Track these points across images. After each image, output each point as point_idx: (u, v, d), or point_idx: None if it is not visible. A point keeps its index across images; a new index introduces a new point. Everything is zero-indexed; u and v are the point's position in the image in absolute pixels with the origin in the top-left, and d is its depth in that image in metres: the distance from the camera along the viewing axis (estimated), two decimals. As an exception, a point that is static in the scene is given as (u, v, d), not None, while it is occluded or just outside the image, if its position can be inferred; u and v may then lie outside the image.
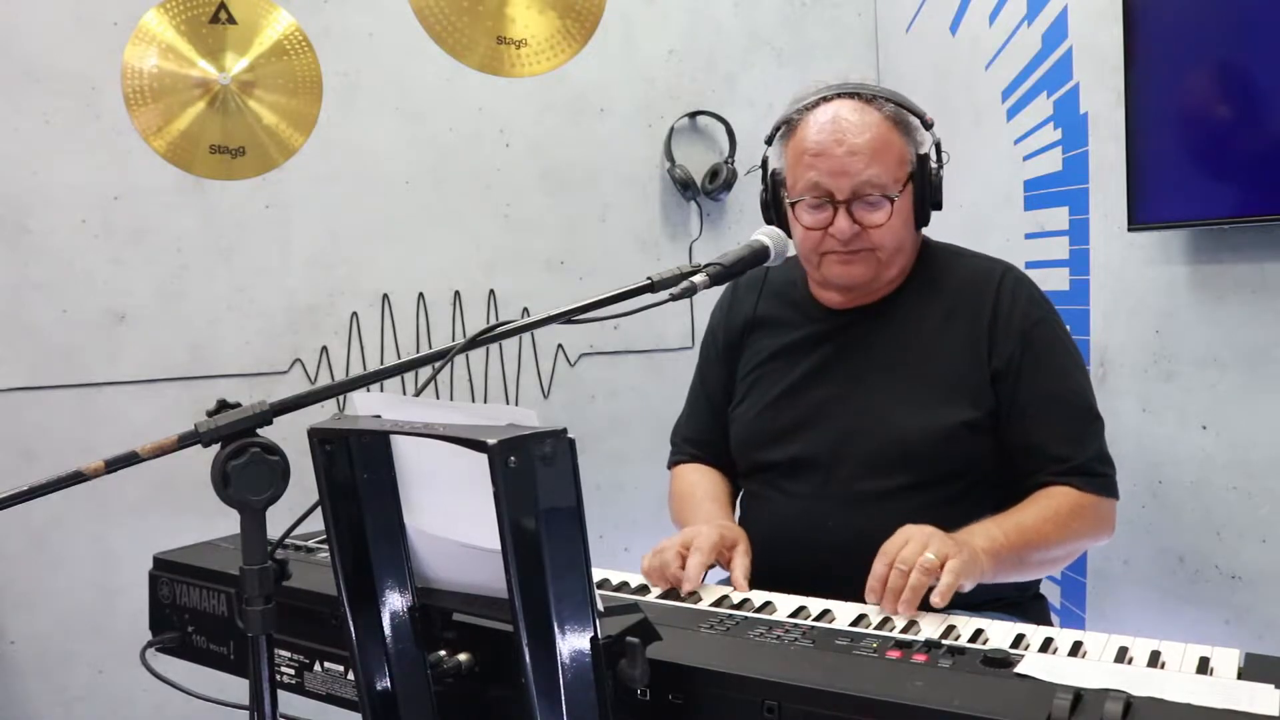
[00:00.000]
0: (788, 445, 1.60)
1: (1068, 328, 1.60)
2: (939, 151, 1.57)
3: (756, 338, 1.71)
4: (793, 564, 1.46)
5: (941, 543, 1.26)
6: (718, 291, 1.78)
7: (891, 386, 1.55)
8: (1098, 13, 2.10)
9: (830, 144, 1.50)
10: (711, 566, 1.40)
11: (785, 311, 1.69)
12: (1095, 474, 1.50)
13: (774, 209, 1.61)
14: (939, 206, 1.58)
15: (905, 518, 1.40)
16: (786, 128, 1.58)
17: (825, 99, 1.54)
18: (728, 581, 1.49)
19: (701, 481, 1.71)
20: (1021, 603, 1.58)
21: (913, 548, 1.24)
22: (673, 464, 1.81)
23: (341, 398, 1.56)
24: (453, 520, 1.02)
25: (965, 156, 2.54)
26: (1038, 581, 1.65)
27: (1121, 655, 1.03)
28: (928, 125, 1.57)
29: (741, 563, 1.42)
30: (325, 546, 1.36)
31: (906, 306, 1.60)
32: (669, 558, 1.35)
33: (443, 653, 1.04)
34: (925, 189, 1.55)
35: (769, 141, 1.62)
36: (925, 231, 1.66)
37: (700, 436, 1.77)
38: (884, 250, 1.53)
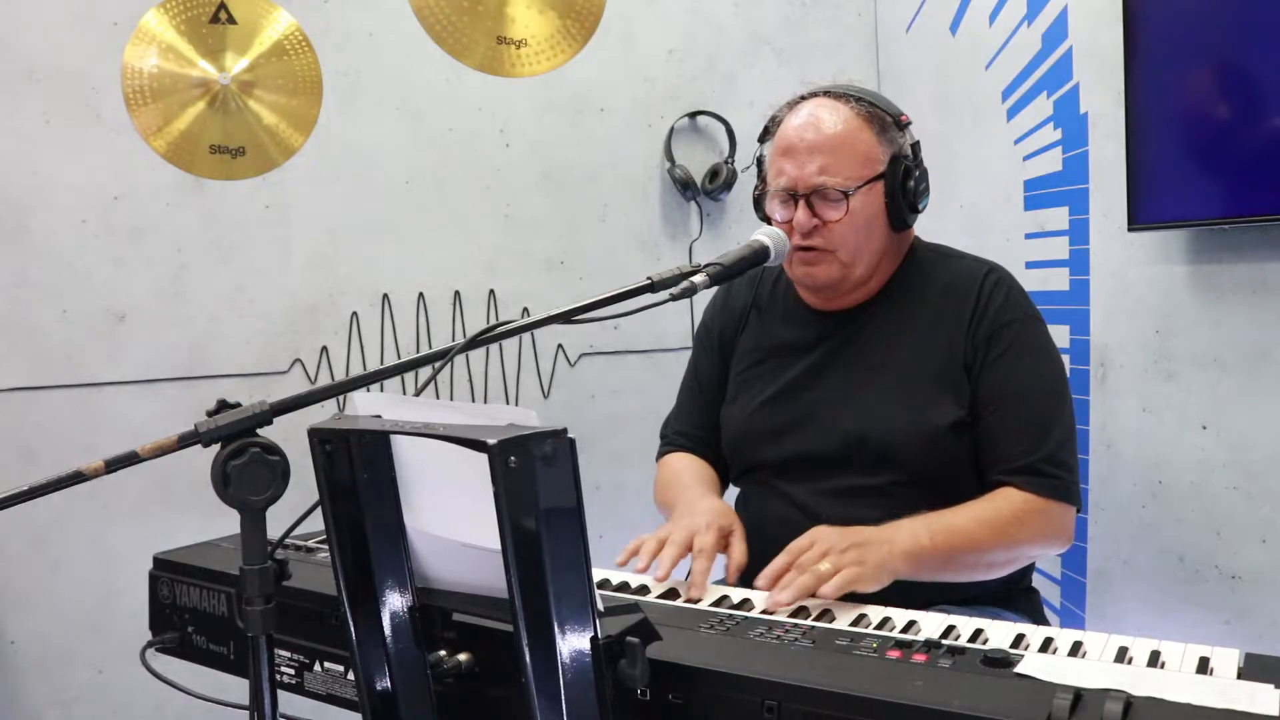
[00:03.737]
0: (781, 445, 1.61)
1: (1049, 335, 1.59)
2: (916, 152, 1.58)
3: (750, 334, 1.72)
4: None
5: (842, 555, 1.29)
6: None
7: (883, 387, 1.56)
8: (1098, 13, 2.10)
9: (796, 141, 1.55)
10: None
11: (778, 310, 1.71)
12: (1045, 475, 1.48)
13: (759, 205, 1.65)
14: (916, 209, 1.58)
15: (896, 514, 1.42)
16: (770, 126, 1.63)
17: (804, 98, 1.60)
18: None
19: (689, 467, 1.72)
20: (1013, 595, 1.59)
21: (814, 554, 1.29)
22: (661, 454, 1.81)
23: (341, 398, 1.56)
24: (453, 520, 1.02)
25: (965, 156, 2.54)
26: (1029, 575, 1.65)
27: (1121, 655, 1.03)
28: (902, 125, 1.58)
29: (742, 548, 1.44)
30: (325, 546, 1.36)
31: (894, 308, 1.61)
32: (665, 558, 1.35)
33: (443, 653, 1.04)
34: (898, 190, 1.55)
35: (761, 140, 1.66)
36: (919, 232, 1.67)
37: (692, 430, 1.77)
38: (844, 250, 1.54)
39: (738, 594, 1.32)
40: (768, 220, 1.61)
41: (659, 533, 1.41)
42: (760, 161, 1.65)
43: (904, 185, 1.55)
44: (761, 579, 1.28)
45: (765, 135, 1.64)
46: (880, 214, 1.56)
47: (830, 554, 1.29)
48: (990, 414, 1.52)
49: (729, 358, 1.74)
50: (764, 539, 1.50)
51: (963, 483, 1.52)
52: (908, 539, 1.37)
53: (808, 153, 1.53)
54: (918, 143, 1.60)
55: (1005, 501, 1.47)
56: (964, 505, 1.46)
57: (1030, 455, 1.48)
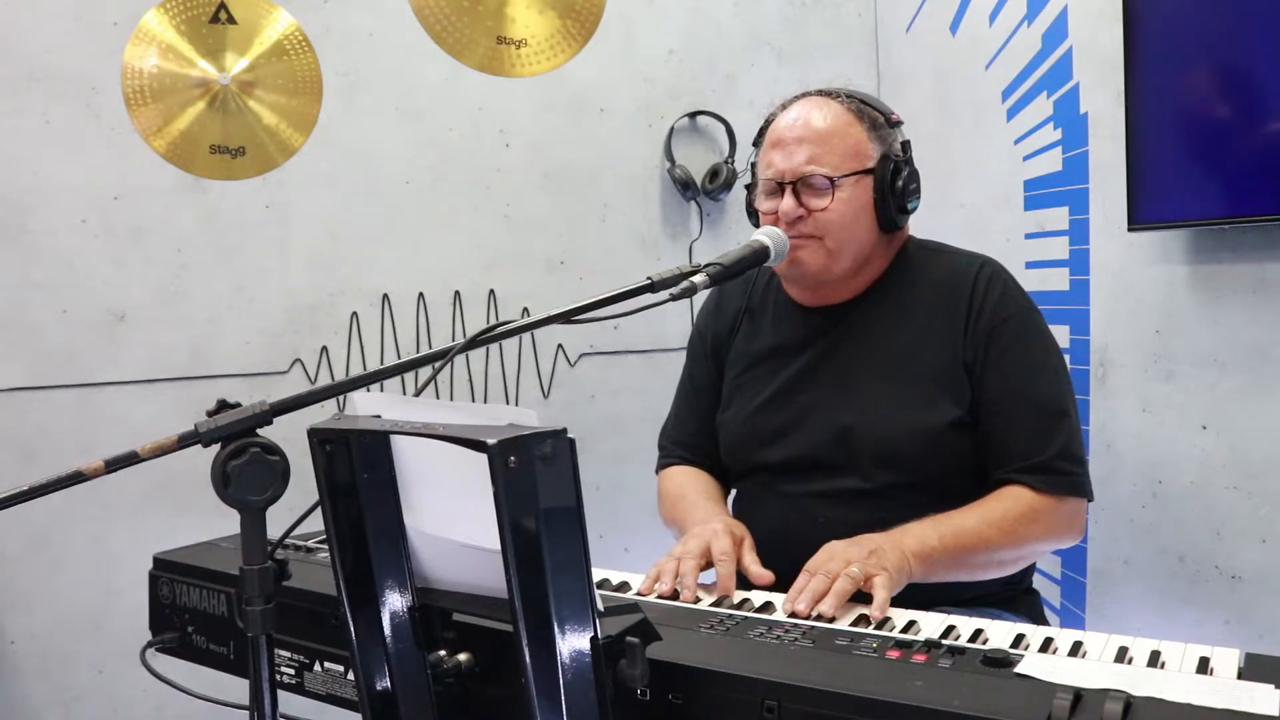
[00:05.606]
0: (779, 447, 1.60)
1: (1046, 325, 1.59)
2: (907, 151, 1.58)
3: (743, 338, 1.72)
4: (786, 563, 1.47)
5: (865, 560, 1.27)
6: (716, 292, 1.78)
7: (880, 386, 1.55)
8: (1098, 13, 2.10)
9: (785, 133, 1.57)
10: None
11: (769, 312, 1.70)
12: (1058, 472, 1.48)
13: (751, 208, 1.66)
14: (905, 210, 1.58)
15: (895, 514, 1.42)
16: (764, 127, 1.63)
17: (797, 98, 1.61)
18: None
19: (693, 482, 1.71)
20: (1013, 597, 1.58)
21: (836, 563, 1.26)
22: (661, 466, 1.80)
23: (341, 398, 1.56)
24: (453, 520, 1.02)
25: (965, 156, 2.54)
26: (1029, 576, 1.65)
27: (1121, 655, 1.03)
28: (893, 124, 1.59)
29: (753, 557, 1.42)
30: (325, 546, 1.36)
31: (885, 305, 1.60)
32: (688, 576, 1.34)
33: (443, 653, 1.04)
34: (887, 188, 1.55)
35: (755, 144, 1.66)
36: (917, 232, 1.67)
37: (690, 439, 1.77)
38: (831, 238, 1.54)
39: (737, 594, 1.32)
40: (756, 221, 1.61)
41: (673, 552, 1.40)
42: (754, 166, 1.65)
43: (893, 183, 1.55)
44: (788, 601, 1.24)
45: (759, 138, 1.64)
46: (868, 209, 1.55)
47: (853, 563, 1.26)
48: (998, 414, 1.51)
49: (723, 363, 1.73)
50: (762, 541, 1.50)
51: (961, 481, 1.51)
52: (916, 542, 1.36)
53: (796, 143, 1.54)
54: (908, 142, 1.60)
55: (1014, 501, 1.46)
56: (972, 505, 1.46)
57: (1042, 454, 1.48)
